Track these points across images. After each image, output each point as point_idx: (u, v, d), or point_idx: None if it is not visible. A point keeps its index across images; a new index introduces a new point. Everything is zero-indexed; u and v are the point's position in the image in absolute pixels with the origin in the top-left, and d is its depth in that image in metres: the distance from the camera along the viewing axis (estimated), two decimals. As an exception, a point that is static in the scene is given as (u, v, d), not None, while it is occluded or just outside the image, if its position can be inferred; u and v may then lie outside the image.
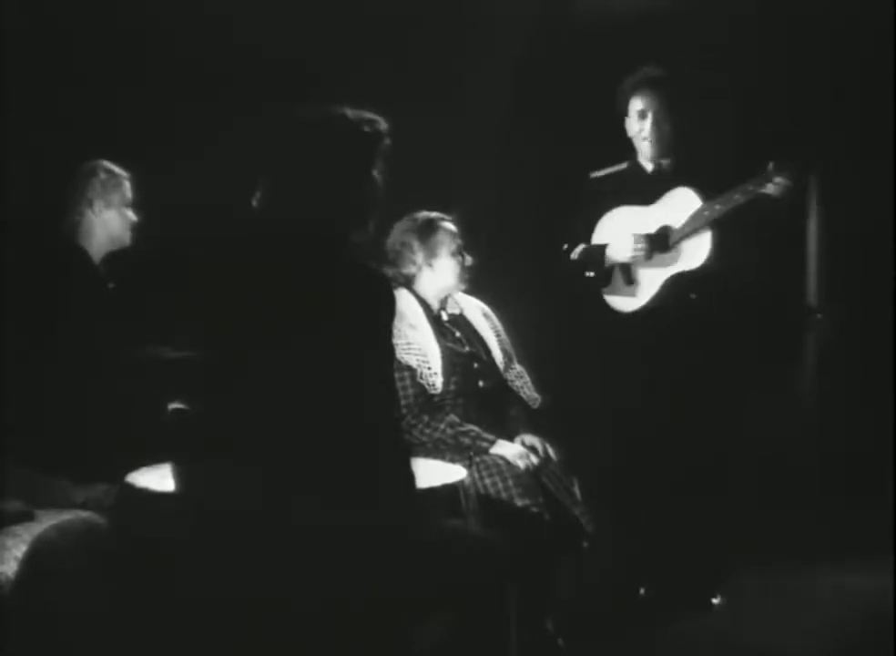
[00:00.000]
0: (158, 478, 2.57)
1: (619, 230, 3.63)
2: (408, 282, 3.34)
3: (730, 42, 4.44)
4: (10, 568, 2.52)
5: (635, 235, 3.57)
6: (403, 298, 3.30)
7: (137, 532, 2.55)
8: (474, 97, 4.37)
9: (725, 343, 3.73)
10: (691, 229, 3.50)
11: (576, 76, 4.24)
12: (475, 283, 3.46)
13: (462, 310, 3.46)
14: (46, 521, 2.66)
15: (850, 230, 4.70)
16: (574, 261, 3.71)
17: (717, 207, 3.43)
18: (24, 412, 2.83)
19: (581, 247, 3.71)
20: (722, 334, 3.68)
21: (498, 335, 3.44)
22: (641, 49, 4.01)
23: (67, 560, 2.55)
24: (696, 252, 3.51)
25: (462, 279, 3.36)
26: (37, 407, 2.88)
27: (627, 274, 3.62)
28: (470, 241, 3.40)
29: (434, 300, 3.37)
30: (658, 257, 3.57)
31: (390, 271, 3.31)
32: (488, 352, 3.38)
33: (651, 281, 3.59)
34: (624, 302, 3.64)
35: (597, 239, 3.70)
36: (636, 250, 3.56)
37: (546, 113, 4.50)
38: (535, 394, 3.40)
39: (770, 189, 3.36)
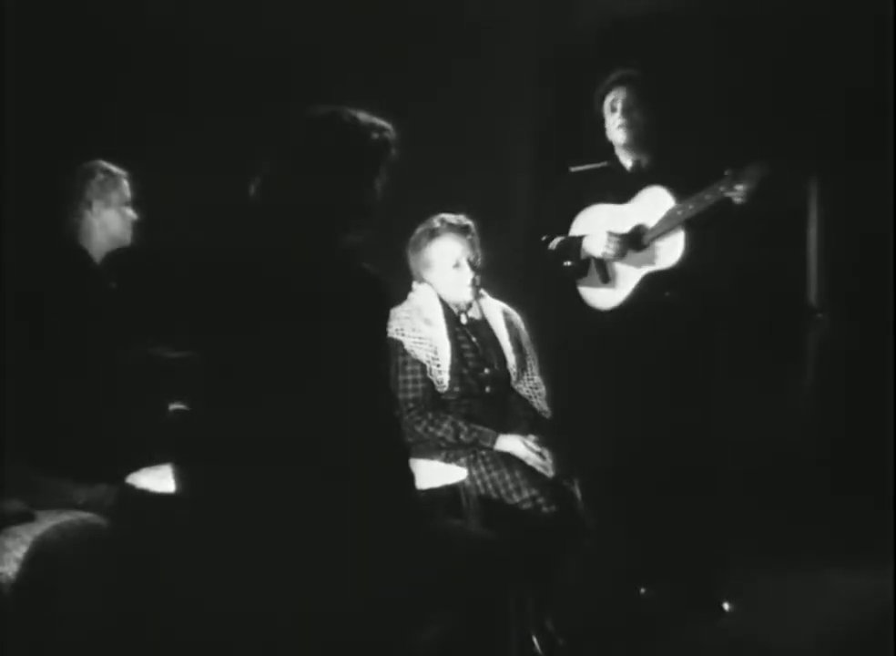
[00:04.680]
0: (159, 479, 2.57)
1: (594, 228, 3.64)
2: (425, 279, 3.34)
3: (729, 41, 4.46)
4: (10, 568, 2.52)
5: (609, 233, 3.57)
6: (424, 293, 3.30)
7: (137, 533, 2.56)
8: (480, 97, 4.39)
9: (717, 342, 3.73)
10: (665, 228, 3.51)
11: (577, 75, 4.24)
12: (496, 287, 3.44)
13: (484, 315, 3.40)
14: (47, 522, 2.65)
15: (850, 230, 4.71)
16: (551, 250, 3.71)
17: (690, 207, 3.45)
18: (24, 412, 2.83)
19: (559, 238, 3.71)
20: (711, 333, 3.68)
21: (517, 345, 3.39)
22: (638, 49, 4.02)
23: (68, 561, 2.55)
24: (670, 251, 3.52)
25: (462, 288, 3.29)
26: (38, 407, 2.88)
27: (603, 271, 3.63)
28: (486, 246, 3.37)
29: (453, 301, 3.33)
30: (633, 255, 3.58)
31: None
32: (502, 360, 3.35)
33: (626, 279, 3.60)
34: (600, 299, 3.65)
35: (574, 234, 3.72)
36: (609, 247, 3.56)
37: (551, 111, 4.52)
38: (546, 408, 3.38)
39: (732, 193, 3.37)
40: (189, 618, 2.19)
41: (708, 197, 3.41)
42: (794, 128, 4.44)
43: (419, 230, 3.33)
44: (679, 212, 3.47)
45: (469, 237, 3.30)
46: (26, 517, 2.68)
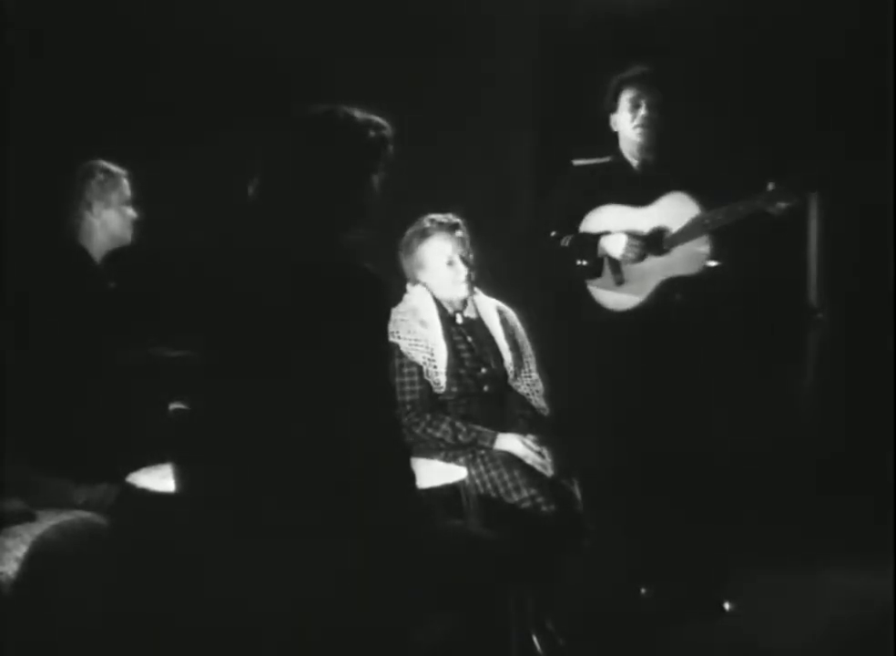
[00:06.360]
0: (159, 478, 2.57)
1: (610, 228, 3.60)
2: (418, 280, 3.34)
3: (730, 47, 4.46)
4: (10, 568, 2.52)
5: (629, 234, 3.55)
6: (419, 294, 3.30)
7: (137, 532, 2.56)
8: (480, 95, 4.39)
9: (721, 343, 3.72)
10: (689, 235, 3.49)
11: (578, 74, 4.24)
12: (496, 285, 3.43)
13: (479, 314, 3.40)
14: (46, 521, 2.66)
15: (850, 230, 4.70)
16: (564, 248, 3.65)
17: (720, 217, 3.41)
18: (24, 412, 2.83)
19: (571, 235, 3.65)
20: (717, 335, 3.67)
21: (513, 343, 3.39)
22: (639, 51, 4.01)
23: (68, 561, 2.56)
24: (692, 258, 3.49)
25: (457, 286, 3.29)
26: (38, 407, 2.88)
27: (618, 272, 3.61)
28: (484, 243, 3.36)
29: (448, 301, 3.34)
30: (651, 259, 3.56)
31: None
32: (499, 359, 3.34)
33: (643, 282, 3.56)
34: (614, 301, 3.62)
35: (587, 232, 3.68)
36: (630, 250, 3.53)
37: (550, 107, 4.52)
38: (544, 404, 3.38)
39: (774, 209, 3.35)
40: (189, 617, 2.19)
41: (742, 208, 3.37)
42: (794, 128, 4.45)
43: (409, 232, 3.33)
44: (707, 221, 3.44)
45: (459, 234, 3.30)
46: (26, 517, 2.68)
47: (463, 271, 3.28)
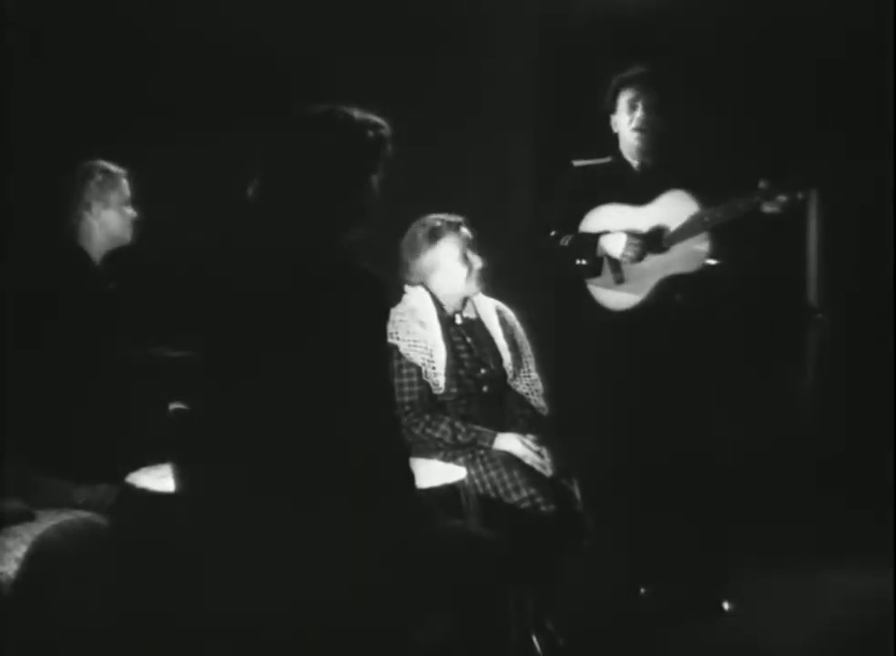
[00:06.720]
0: (159, 478, 2.57)
1: (610, 228, 3.60)
2: (423, 281, 3.33)
3: (730, 47, 4.46)
4: (10, 568, 2.52)
5: (629, 233, 3.55)
6: (418, 295, 3.29)
7: (137, 532, 2.56)
8: (480, 94, 4.39)
9: (721, 342, 3.72)
10: (689, 233, 3.49)
11: (578, 74, 4.24)
12: (495, 285, 3.43)
13: (479, 314, 3.41)
14: (46, 521, 2.66)
15: (850, 230, 4.71)
16: (564, 247, 3.65)
17: (719, 215, 3.41)
18: (25, 412, 2.83)
19: (571, 235, 3.65)
20: (716, 335, 3.67)
21: (512, 342, 3.39)
22: (639, 51, 4.01)
23: (68, 561, 2.56)
24: (691, 257, 3.49)
25: (470, 283, 3.30)
26: (38, 408, 2.88)
27: (618, 271, 3.61)
28: (484, 243, 3.37)
29: (448, 302, 3.34)
30: (650, 258, 3.56)
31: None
32: (498, 359, 3.34)
33: (642, 281, 3.56)
34: (614, 300, 3.61)
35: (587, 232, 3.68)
36: (629, 249, 3.53)
37: (551, 107, 4.52)
38: (543, 404, 3.38)
39: (773, 204, 3.35)
40: (189, 617, 2.19)
41: (741, 205, 3.36)
42: (793, 128, 4.45)
43: (412, 232, 3.32)
44: (706, 219, 3.43)
45: (464, 231, 3.31)
46: (26, 517, 2.68)
47: (477, 263, 3.29)
